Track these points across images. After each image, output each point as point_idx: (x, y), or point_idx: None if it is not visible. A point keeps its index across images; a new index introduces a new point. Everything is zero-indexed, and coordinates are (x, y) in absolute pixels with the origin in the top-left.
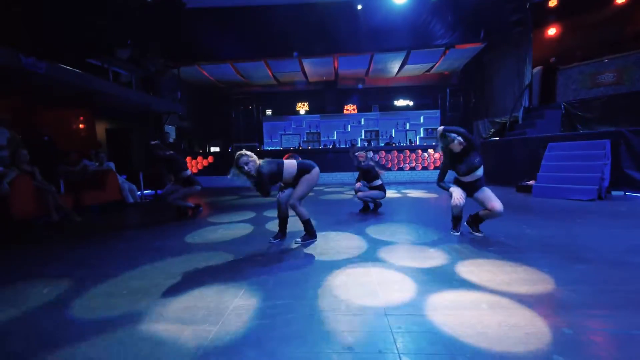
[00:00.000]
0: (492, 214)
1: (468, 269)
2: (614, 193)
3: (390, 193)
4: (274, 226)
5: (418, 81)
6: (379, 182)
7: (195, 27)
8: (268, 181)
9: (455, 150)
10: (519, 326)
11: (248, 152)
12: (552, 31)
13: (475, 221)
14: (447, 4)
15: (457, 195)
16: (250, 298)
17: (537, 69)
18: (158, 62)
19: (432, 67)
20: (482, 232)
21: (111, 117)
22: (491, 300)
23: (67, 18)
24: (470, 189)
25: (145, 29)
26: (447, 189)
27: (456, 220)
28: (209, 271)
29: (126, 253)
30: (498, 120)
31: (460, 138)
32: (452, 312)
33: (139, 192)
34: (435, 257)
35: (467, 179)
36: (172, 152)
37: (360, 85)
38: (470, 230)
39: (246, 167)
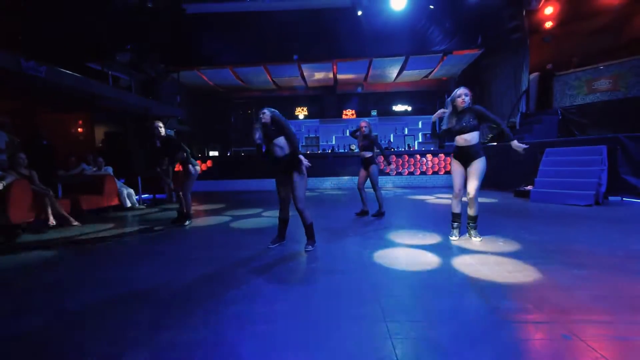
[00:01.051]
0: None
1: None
2: (611, 198)
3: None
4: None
5: (416, 87)
6: (369, 153)
7: (196, 32)
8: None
9: (458, 106)
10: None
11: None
12: (548, 38)
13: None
14: (445, 11)
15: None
16: None
17: (534, 75)
18: (158, 67)
19: (430, 73)
20: (480, 237)
21: (110, 121)
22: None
23: (67, 22)
24: (465, 159)
25: (145, 34)
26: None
27: (455, 218)
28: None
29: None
30: (495, 126)
31: (465, 97)
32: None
33: (137, 197)
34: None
35: (461, 142)
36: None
37: (359, 89)
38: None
39: (263, 118)
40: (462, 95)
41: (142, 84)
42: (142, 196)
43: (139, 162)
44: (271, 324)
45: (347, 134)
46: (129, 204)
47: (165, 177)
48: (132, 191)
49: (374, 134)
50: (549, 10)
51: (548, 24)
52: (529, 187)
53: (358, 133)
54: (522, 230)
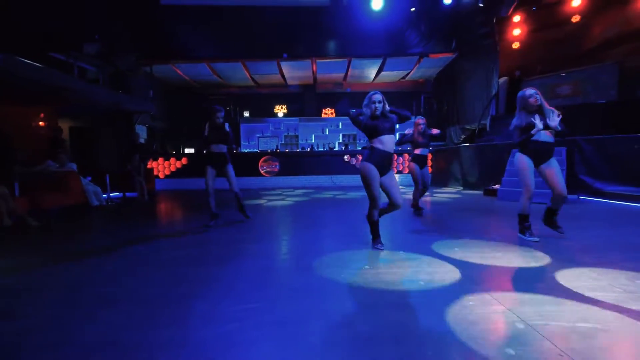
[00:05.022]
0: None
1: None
2: (569, 197)
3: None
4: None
5: (394, 87)
6: (427, 151)
7: (170, 24)
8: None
9: (532, 106)
10: None
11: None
12: (516, 45)
13: (550, 216)
14: (421, 15)
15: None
16: None
17: (503, 79)
18: (129, 59)
19: (407, 75)
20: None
21: (76, 115)
22: None
23: (28, 7)
24: (546, 155)
25: (116, 24)
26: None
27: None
28: None
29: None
30: (468, 127)
31: (537, 95)
32: None
33: (104, 195)
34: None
35: (545, 138)
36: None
37: (348, 89)
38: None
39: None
40: (533, 95)
41: (112, 77)
42: (111, 194)
43: (107, 158)
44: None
45: (327, 133)
46: (96, 203)
47: (136, 175)
48: (98, 189)
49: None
50: (517, 18)
51: (516, 32)
52: (497, 186)
53: (408, 133)
54: (487, 227)
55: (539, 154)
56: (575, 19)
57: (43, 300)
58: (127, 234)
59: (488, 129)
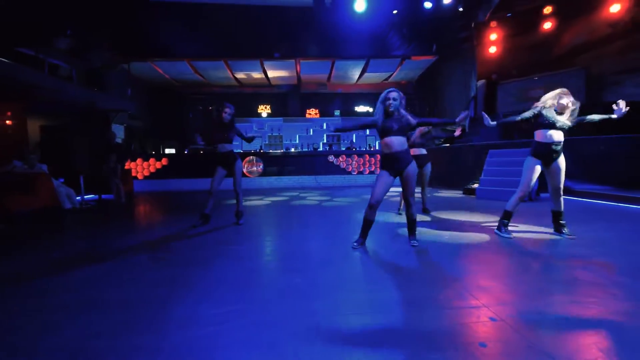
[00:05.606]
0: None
1: None
2: (542, 195)
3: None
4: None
5: (377, 89)
6: (425, 151)
7: (149, 20)
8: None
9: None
10: None
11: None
12: (493, 49)
13: (556, 219)
14: (402, 18)
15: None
16: None
17: (481, 82)
18: (105, 56)
19: (390, 76)
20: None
21: (47, 113)
22: None
23: None
24: (550, 157)
25: (90, 19)
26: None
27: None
28: None
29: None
30: (449, 128)
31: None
32: None
33: (78, 197)
34: None
35: (559, 138)
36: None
37: (340, 90)
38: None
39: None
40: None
41: (86, 74)
42: (85, 197)
43: (81, 159)
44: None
45: (311, 133)
46: (69, 205)
47: (113, 176)
48: (71, 191)
49: None
50: (493, 23)
51: (493, 37)
52: (475, 185)
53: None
54: (464, 225)
55: (548, 154)
56: (547, 26)
57: (1, 310)
58: (102, 238)
59: (467, 129)
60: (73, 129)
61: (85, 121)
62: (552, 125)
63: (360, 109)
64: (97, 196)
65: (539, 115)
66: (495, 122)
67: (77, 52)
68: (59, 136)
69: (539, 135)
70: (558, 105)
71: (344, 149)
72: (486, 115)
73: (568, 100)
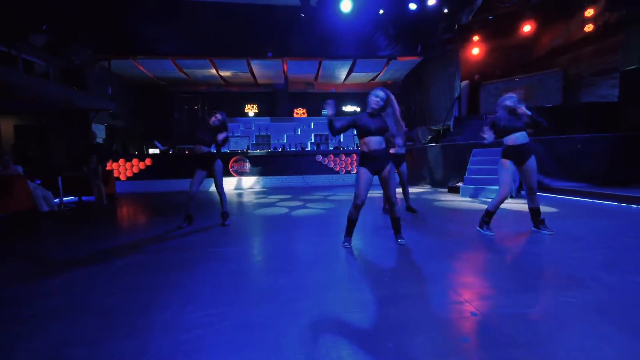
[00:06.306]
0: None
1: None
2: (522, 193)
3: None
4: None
5: (364, 88)
6: (403, 150)
7: (131, 16)
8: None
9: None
10: None
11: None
12: (475, 51)
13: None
14: (388, 19)
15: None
16: None
17: (465, 82)
18: (84, 53)
19: (376, 76)
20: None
21: (23, 112)
22: None
23: None
24: (521, 158)
25: (68, 14)
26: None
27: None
28: None
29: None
30: (434, 127)
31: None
32: None
33: (56, 199)
34: None
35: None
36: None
37: (333, 90)
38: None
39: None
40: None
41: (64, 72)
42: (64, 199)
43: (60, 160)
44: None
45: (299, 133)
46: (46, 208)
47: (94, 178)
48: (49, 193)
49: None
50: (476, 25)
51: (476, 38)
52: (459, 184)
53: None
54: (448, 223)
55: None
56: (527, 29)
57: None
58: (82, 241)
59: (451, 129)
60: (50, 128)
61: (64, 120)
62: (512, 129)
63: (348, 108)
64: (76, 198)
65: (494, 124)
66: (492, 139)
67: (54, 49)
68: (36, 136)
69: (506, 139)
70: (507, 109)
71: (331, 148)
72: (489, 133)
73: (511, 102)
